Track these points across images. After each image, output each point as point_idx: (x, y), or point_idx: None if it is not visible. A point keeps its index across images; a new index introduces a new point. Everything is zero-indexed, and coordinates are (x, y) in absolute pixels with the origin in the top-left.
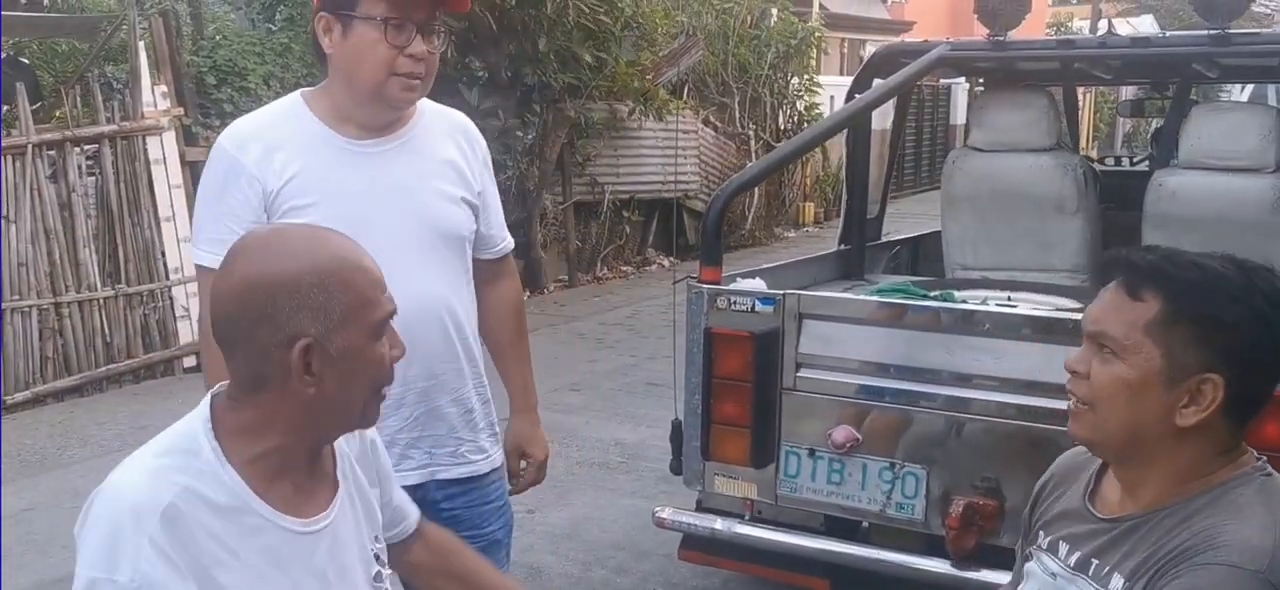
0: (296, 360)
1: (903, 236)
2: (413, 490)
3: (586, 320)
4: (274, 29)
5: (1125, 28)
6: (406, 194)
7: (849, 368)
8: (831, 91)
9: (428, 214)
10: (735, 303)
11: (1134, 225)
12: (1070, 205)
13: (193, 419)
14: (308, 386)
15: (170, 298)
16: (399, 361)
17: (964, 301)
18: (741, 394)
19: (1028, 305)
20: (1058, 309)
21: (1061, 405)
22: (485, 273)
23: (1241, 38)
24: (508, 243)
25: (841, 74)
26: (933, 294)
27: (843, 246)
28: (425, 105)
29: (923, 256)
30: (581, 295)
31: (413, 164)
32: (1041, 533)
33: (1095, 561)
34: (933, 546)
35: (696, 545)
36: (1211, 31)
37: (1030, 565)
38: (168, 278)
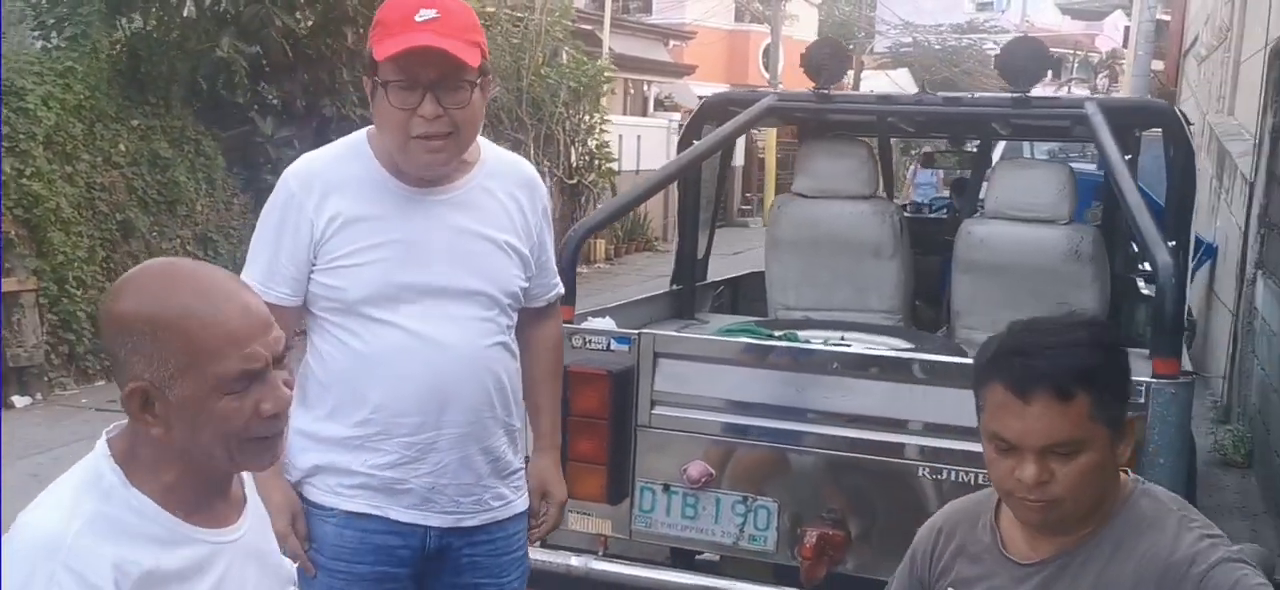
0: (131, 404)
1: (724, 277)
2: (436, 536)
3: None
4: (52, 47)
5: (885, 81)
6: (458, 246)
7: (703, 405)
8: (620, 131)
9: (478, 267)
10: (591, 341)
11: (934, 269)
12: (887, 250)
13: (92, 455)
14: (150, 428)
15: None
16: (433, 409)
17: (807, 341)
18: (597, 431)
19: (862, 344)
20: (892, 348)
21: (900, 440)
22: (532, 316)
23: (1041, 101)
24: (557, 290)
25: (625, 113)
26: (777, 335)
27: (675, 287)
28: (490, 153)
29: (742, 296)
30: None
31: (469, 216)
32: (951, 588)
33: None
34: (782, 576)
35: (547, 584)
36: (1015, 94)
37: None
38: None
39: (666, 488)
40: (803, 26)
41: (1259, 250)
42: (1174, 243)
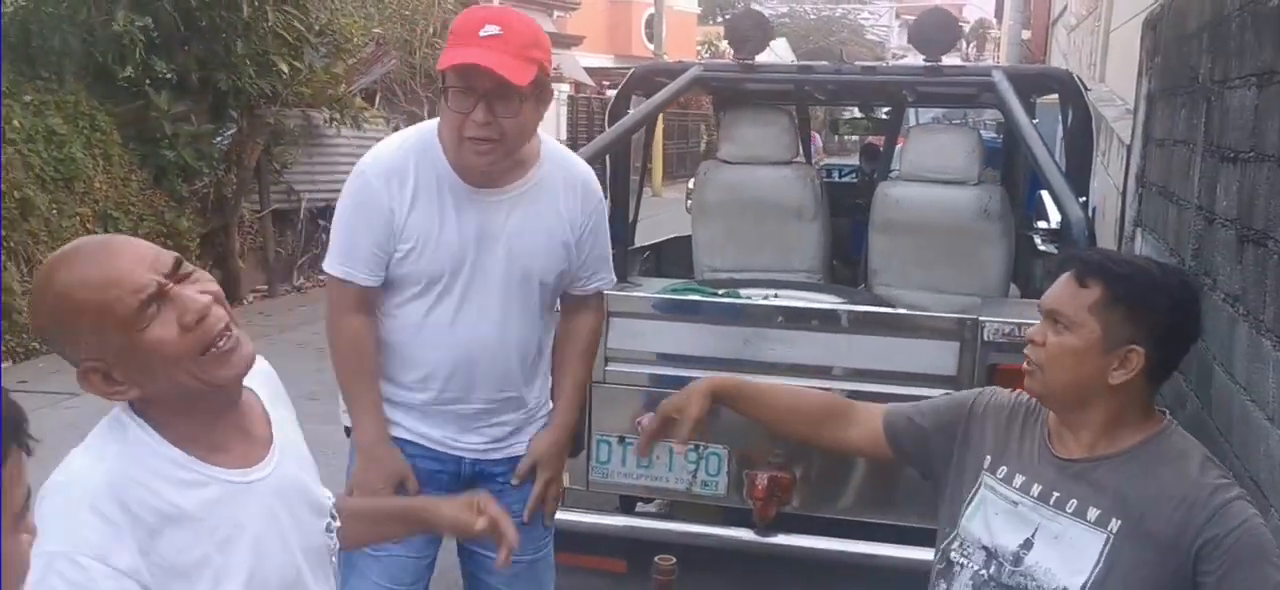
0: (93, 386)
1: (649, 243)
2: (474, 464)
3: (299, 330)
4: None
5: (765, 51)
6: (507, 245)
7: (654, 361)
8: None
9: (523, 264)
10: None
11: (847, 231)
12: (808, 213)
13: (111, 416)
14: (122, 395)
15: None
16: (464, 386)
17: (748, 299)
18: None
19: (793, 299)
20: (829, 304)
21: (837, 385)
22: (573, 302)
23: (951, 69)
24: (601, 283)
25: None
26: (720, 293)
27: None
28: (549, 154)
29: (666, 260)
30: (284, 305)
31: (520, 213)
32: (989, 457)
33: (1057, 494)
34: (732, 517)
35: None
36: (927, 63)
37: (982, 493)
38: None
39: (622, 439)
40: None
41: (1137, 208)
42: (1084, 199)
